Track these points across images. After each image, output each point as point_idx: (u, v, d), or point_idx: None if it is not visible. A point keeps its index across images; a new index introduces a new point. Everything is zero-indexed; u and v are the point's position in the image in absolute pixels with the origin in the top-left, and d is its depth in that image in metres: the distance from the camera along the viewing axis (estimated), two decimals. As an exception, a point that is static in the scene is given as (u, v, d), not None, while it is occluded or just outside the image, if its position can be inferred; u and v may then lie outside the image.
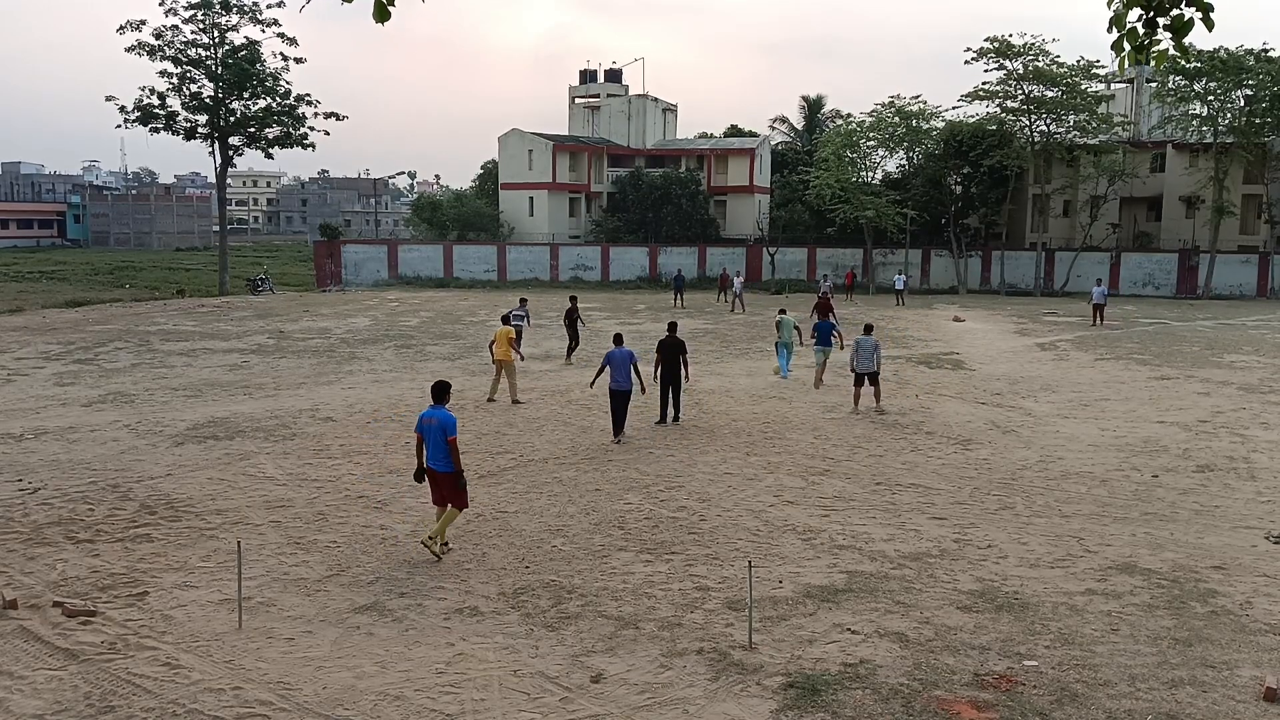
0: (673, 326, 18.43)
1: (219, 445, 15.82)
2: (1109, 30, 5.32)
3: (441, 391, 10.75)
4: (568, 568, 10.25)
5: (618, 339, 17.46)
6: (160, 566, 10.21)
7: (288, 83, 50.09)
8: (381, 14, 4.94)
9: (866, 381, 18.97)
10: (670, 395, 17.58)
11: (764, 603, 9.17)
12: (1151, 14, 5.20)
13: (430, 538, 10.48)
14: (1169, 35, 5.23)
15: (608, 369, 16.58)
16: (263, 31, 48.76)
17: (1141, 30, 5.25)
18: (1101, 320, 36.40)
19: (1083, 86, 51.65)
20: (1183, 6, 5.18)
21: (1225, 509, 12.63)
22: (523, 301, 26.72)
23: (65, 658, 8.05)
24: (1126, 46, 5.30)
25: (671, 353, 17.50)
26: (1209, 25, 5.19)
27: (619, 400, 16.42)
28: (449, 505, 10.54)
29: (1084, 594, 9.59)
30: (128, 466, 14.36)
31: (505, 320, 20.87)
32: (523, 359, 20.47)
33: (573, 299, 26.89)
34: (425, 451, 10.48)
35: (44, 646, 8.25)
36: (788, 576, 10.00)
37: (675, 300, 43.37)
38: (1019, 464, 14.99)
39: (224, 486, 13.33)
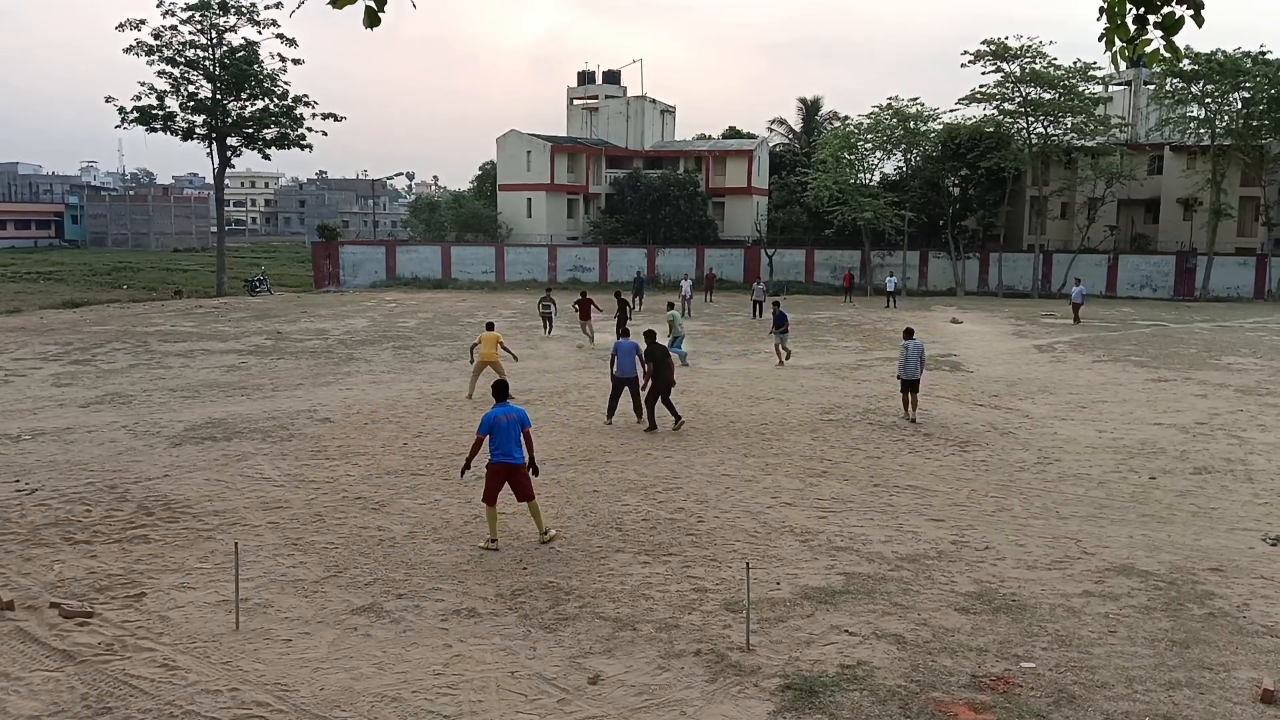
0: (650, 335, 18.08)
1: (216, 446, 15.81)
2: (1099, 18, 5.30)
3: (505, 389, 11.47)
4: (565, 569, 10.25)
5: (625, 332, 19.25)
6: (157, 568, 10.20)
7: (286, 83, 50.14)
8: (371, 19, 4.98)
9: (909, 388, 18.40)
10: (660, 401, 17.45)
11: (761, 604, 9.17)
12: (1142, 10, 5.19)
13: (544, 534, 11.09)
14: (1159, 34, 5.22)
15: (616, 357, 17.94)
16: (260, 32, 48.83)
17: (1133, 27, 5.23)
18: (1077, 319, 37.52)
19: (1080, 88, 51.75)
20: (1174, 4, 5.17)
21: (1222, 511, 12.64)
22: (549, 290, 31.68)
23: (62, 659, 8.04)
24: (1117, 42, 5.28)
25: (661, 358, 17.40)
26: (1199, 22, 5.17)
27: (620, 385, 17.85)
28: (527, 499, 10.97)
29: (1081, 596, 9.60)
30: (125, 467, 14.35)
31: (489, 327, 21.77)
32: (516, 359, 21.33)
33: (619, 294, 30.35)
34: (492, 448, 10.84)
35: (41, 648, 8.24)
36: (785, 578, 10.00)
37: (635, 303, 40.71)
38: (1016, 466, 15.00)
39: (221, 488, 13.32)
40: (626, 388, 17.83)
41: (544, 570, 10.20)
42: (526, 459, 10.99)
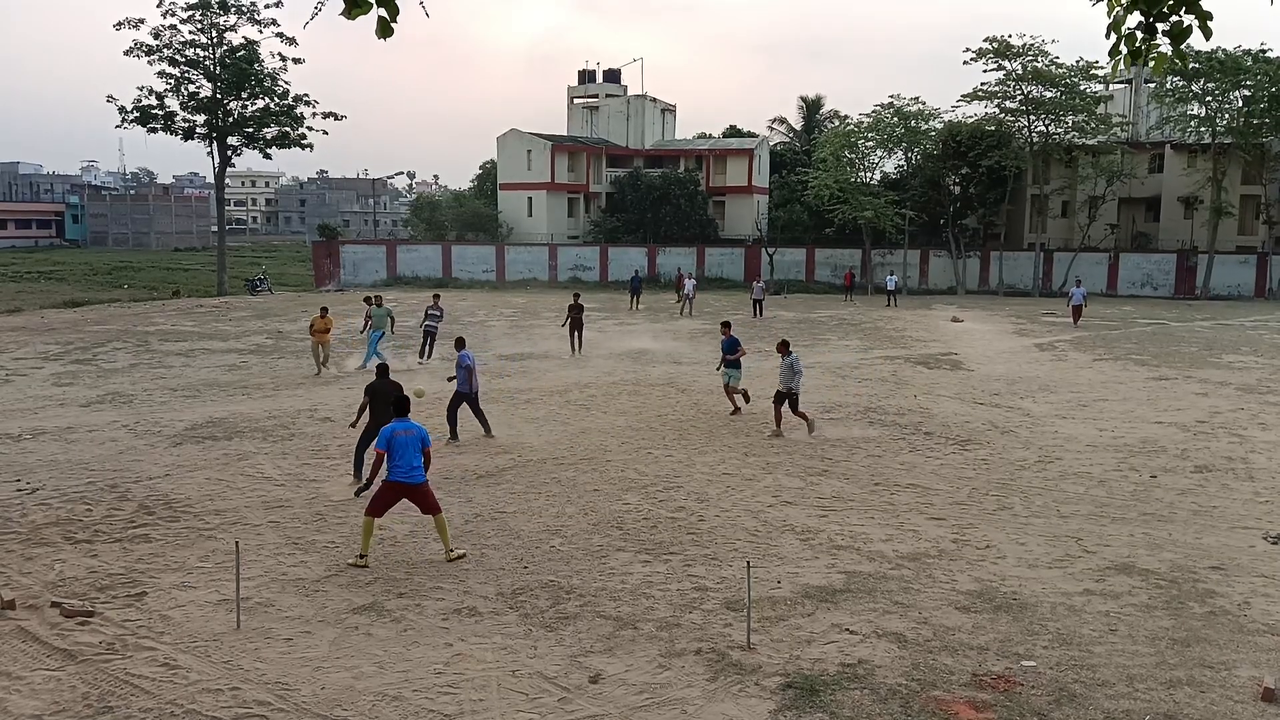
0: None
1: (217, 445, 15.81)
2: (1107, 36, 5.33)
3: (406, 406, 10.74)
4: (566, 568, 10.25)
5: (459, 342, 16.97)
6: (158, 567, 10.20)
7: (286, 83, 50.09)
8: (384, 30, 5.01)
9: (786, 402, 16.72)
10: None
11: (762, 603, 9.17)
12: (1150, 20, 5.22)
13: (449, 552, 10.39)
14: (1167, 41, 5.25)
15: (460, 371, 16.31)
16: (260, 32, 48.81)
17: (1140, 36, 5.27)
18: (1077, 320, 36.07)
19: (1081, 87, 51.75)
20: (1181, 14, 5.20)
21: (1223, 509, 12.63)
22: (436, 298, 27.35)
23: (63, 658, 8.05)
24: (1124, 50, 5.32)
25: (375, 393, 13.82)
26: (1206, 34, 5.20)
27: (458, 399, 16.30)
28: (433, 513, 10.38)
29: (1082, 594, 9.59)
30: (126, 467, 14.35)
31: (323, 313, 23.84)
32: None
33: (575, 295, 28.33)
34: (389, 464, 10.29)
35: (42, 647, 8.24)
36: (786, 577, 10.00)
37: (632, 302, 42.27)
38: (1017, 464, 14.99)
39: (222, 487, 13.32)
40: (465, 402, 16.30)
41: (545, 569, 10.20)
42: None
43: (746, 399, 18.81)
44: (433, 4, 5.84)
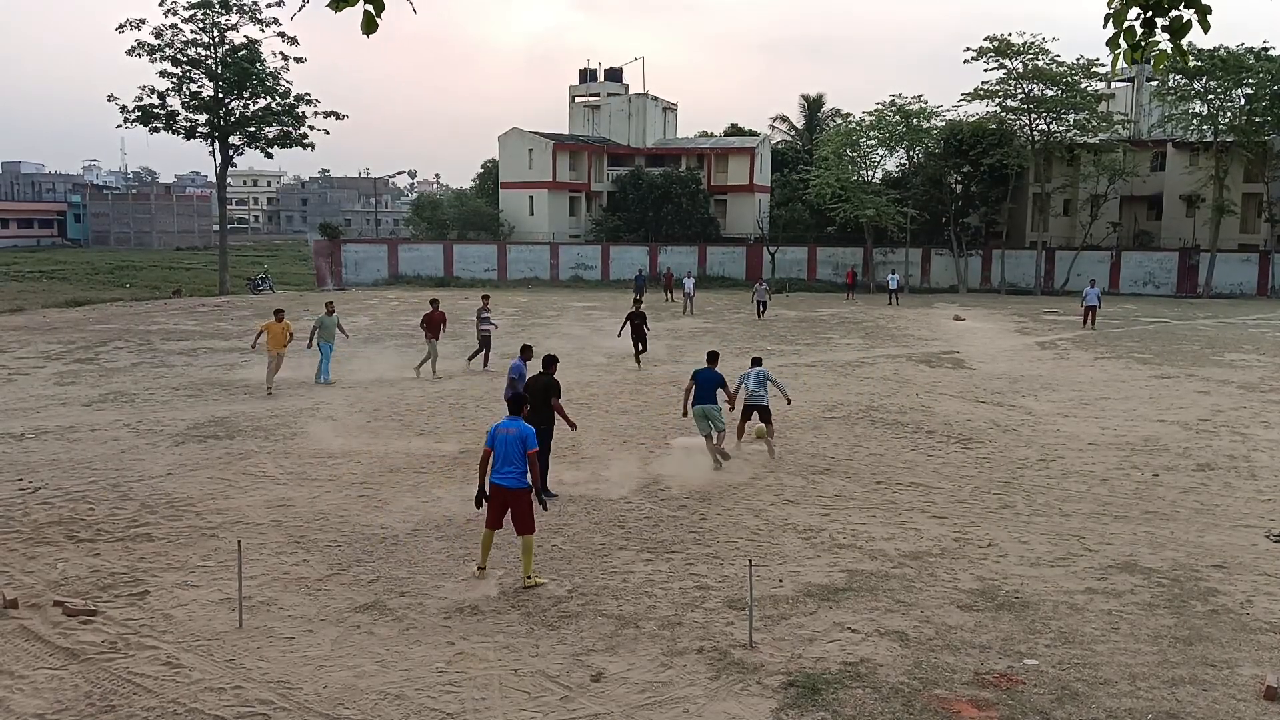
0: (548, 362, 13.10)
1: (219, 444, 15.82)
2: (1104, 26, 5.33)
3: (520, 403, 10.13)
4: (568, 566, 10.25)
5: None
6: (161, 566, 10.21)
7: (288, 82, 50.16)
8: (369, 25, 5.01)
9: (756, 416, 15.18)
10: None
11: (764, 601, 9.17)
12: (1149, 14, 5.22)
13: (527, 578, 9.64)
14: (1166, 36, 5.25)
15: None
16: (262, 31, 48.83)
17: (1139, 30, 5.27)
18: (1093, 322, 34.88)
19: (1083, 85, 51.74)
20: (1181, 8, 5.20)
21: (1226, 508, 12.62)
22: (485, 299, 25.76)
23: (66, 657, 8.05)
24: (1123, 44, 5.32)
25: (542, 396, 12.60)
26: (1205, 27, 5.20)
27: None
28: (521, 534, 9.65)
29: (1084, 593, 9.59)
30: (128, 466, 14.36)
31: (279, 317, 20.71)
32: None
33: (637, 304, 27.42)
34: (494, 466, 9.63)
35: (45, 646, 8.25)
36: (788, 575, 10.00)
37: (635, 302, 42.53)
38: (1019, 463, 14.98)
39: (224, 486, 13.33)
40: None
41: (547, 568, 10.19)
42: (532, 485, 9.74)
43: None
44: (433, 3, 5.83)
